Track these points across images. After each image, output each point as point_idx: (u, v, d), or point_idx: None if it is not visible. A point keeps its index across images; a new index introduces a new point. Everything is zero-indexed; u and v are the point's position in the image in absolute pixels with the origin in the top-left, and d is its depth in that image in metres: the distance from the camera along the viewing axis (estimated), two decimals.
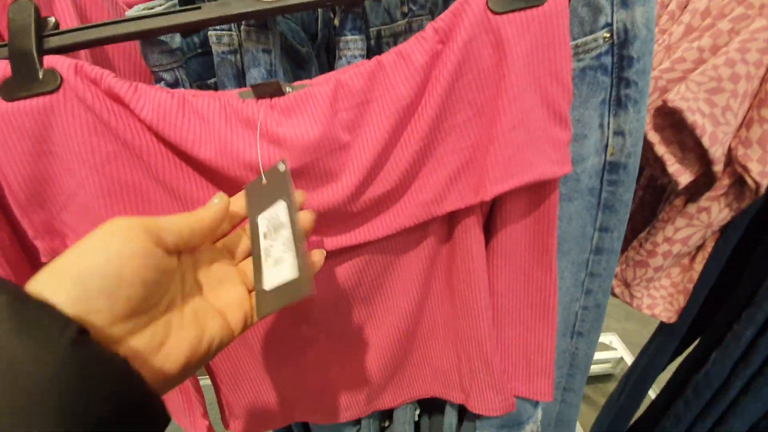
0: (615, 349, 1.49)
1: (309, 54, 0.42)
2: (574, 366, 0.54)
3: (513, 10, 0.29)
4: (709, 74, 0.42)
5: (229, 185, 0.32)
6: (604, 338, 1.52)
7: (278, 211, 0.27)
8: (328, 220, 0.34)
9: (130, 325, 0.20)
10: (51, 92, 0.28)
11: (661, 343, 0.60)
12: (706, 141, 0.43)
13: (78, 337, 0.16)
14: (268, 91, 0.29)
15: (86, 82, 0.28)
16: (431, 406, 0.65)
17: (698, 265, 0.53)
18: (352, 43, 0.33)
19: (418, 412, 0.66)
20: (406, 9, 0.36)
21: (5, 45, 0.28)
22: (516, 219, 0.37)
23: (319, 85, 0.30)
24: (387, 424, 0.68)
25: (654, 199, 0.61)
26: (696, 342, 0.57)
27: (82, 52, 0.34)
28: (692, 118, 0.42)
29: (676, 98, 0.43)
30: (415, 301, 0.43)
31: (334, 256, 0.38)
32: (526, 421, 0.55)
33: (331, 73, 0.31)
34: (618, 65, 0.33)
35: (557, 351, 0.51)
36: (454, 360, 0.48)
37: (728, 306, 0.50)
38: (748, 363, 0.44)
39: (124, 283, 0.19)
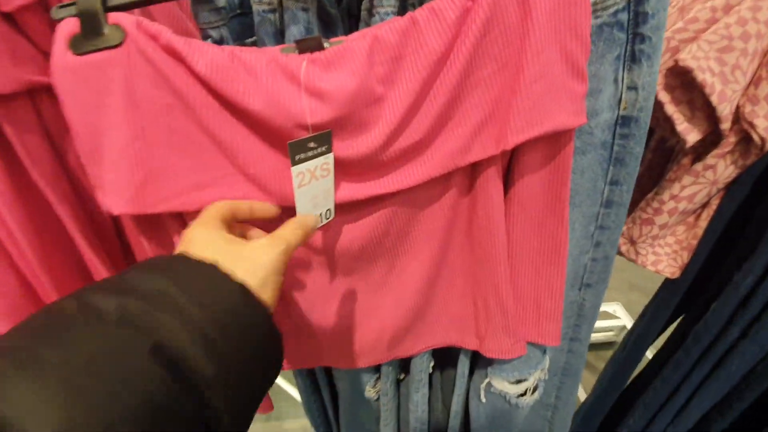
0: (618, 317, 1.53)
1: (337, 16, 0.44)
2: (581, 316, 0.58)
3: None
4: (720, 33, 0.44)
5: (272, 135, 0.35)
6: (608, 307, 1.56)
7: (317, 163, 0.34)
8: (361, 169, 0.37)
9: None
10: (115, 46, 0.30)
11: (663, 299, 0.63)
12: (714, 99, 0.45)
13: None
14: (310, 45, 0.32)
15: (147, 37, 0.31)
16: (444, 360, 0.70)
17: (703, 222, 0.56)
18: (385, 0, 0.35)
19: (432, 364, 0.70)
20: None
21: (73, 3, 0.31)
22: (532, 169, 0.40)
23: (356, 40, 0.33)
24: (402, 376, 0.73)
25: (662, 161, 0.63)
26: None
27: (134, 12, 0.37)
28: (702, 76, 0.44)
29: (687, 57, 0.45)
30: (437, 251, 0.46)
31: (365, 204, 0.41)
32: (535, 368, 0.59)
33: (368, 29, 0.34)
34: (633, 21, 0.35)
35: (565, 302, 0.55)
36: (471, 307, 0.51)
37: (729, 261, 0.53)
38: (747, 308, 0.47)
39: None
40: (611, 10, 0.35)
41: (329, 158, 0.36)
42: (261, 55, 0.32)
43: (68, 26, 0.31)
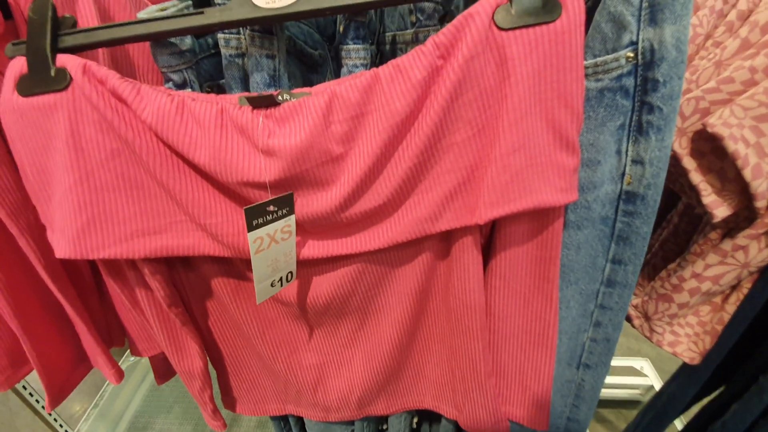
0: (646, 375, 1.40)
1: (323, 57, 0.41)
2: (579, 397, 0.51)
3: (521, 27, 0.27)
4: (759, 99, 0.37)
5: (224, 187, 0.32)
6: (635, 363, 1.44)
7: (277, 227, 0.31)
8: (321, 228, 0.34)
9: None
10: (61, 90, 0.29)
11: (681, 384, 0.55)
12: (747, 174, 0.38)
13: None
14: (263, 103, 0.29)
15: (93, 82, 0.29)
16: (430, 414, 0.65)
17: (731, 306, 0.48)
18: (354, 52, 0.32)
19: (416, 419, 0.65)
20: (414, 18, 0.34)
21: (24, 42, 0.30)
22: (516, 243, 0.35)
23: (316, 95, 0.30)
24: (385, 427, 0.68)
25: (690, 228, 0.56)
26: (721, 388, 0.52)
27: (101, 50, 0.36)
28: (734, 146, 0.38)
29: (717, 123, 0.39)
30: (410, 314, 0.42)
31: (329, 261, 0.38)
32: None
33: (329, 83, 0.31)
34: (641, 88, 0.30)
35: (562, 380, 0.49)
36: (449, 376, 0.47)
37: (758, 355, 0.46)
38: None
39: None
40: (614, 74, 0.30)
41: (291, 220, 0.33)
42: (212, 105, 0.30)
43: (17, 65, 0.29)
